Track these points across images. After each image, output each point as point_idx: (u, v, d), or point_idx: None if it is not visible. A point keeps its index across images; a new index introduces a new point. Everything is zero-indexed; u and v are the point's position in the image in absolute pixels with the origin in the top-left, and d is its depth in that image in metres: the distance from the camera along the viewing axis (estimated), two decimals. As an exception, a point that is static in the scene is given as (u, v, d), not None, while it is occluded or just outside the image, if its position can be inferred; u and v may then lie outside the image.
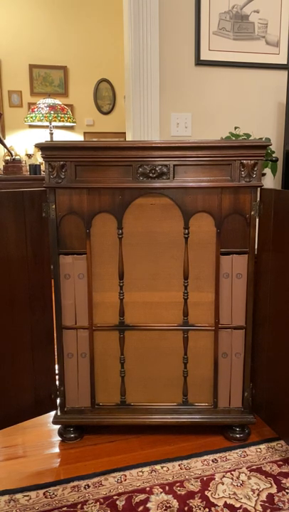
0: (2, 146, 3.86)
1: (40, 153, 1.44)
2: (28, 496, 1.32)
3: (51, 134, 4.49)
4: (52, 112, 4.26)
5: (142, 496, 1.31)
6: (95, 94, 5.27)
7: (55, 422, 1.56)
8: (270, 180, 2.44)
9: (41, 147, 1.39)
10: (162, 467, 1.43)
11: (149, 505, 1.28)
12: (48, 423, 1.65)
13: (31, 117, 4.31)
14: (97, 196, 1.42)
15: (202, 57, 2.30)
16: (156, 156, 1.38)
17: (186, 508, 1.26)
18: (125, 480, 1.38)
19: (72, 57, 5.09)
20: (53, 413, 1.59)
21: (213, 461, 1.46)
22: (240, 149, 1.37)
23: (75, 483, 1.36)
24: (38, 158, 4.92)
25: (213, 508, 1.26)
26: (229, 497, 1.30)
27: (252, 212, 1.43)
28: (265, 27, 2.35)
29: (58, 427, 1.59)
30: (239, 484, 1.36)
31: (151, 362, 1.54)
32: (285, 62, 2.41)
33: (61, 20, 4.98)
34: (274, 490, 1.33)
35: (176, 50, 2.27)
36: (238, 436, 1.56)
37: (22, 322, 1.47)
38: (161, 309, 1.50)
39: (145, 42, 2.18)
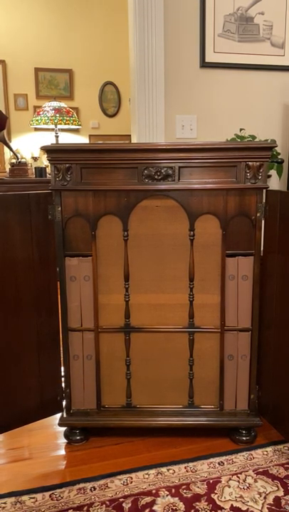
0: (8, 149, 3.88)
1: (45, 156, 1.45)
2: (34, 498, 1.32)
3: (57, 136, 4.51)
4: (57, 115, 4.28)
5: (148, 499, 1.31)
6: (100, 97, 5.29)
7: (61, 424, 1.56)
8: (276, 182, 2.43)
9: (47, 150, 1.39)
10: (168, 469, 1.43)
11: (155, 507, 1.27)
12: (53, 425, 1.65)
13: (37, 120, 4.33)
14: (102, 198, 1.42)
15: (207, 60, 2.31)
16: (161, 158, 1.38)
17: (192, 511, 1.26)
18: (131, 482, 1.37)
19: (77, 60, 5.11)
20: (58, 415, 1.59)
21: (219, 463, 1.45)
22: (246, 151, 1.37)
23: (81, 485, 1.36)
24: (44, 161, 4.94)
25: (219, 511, 1.26)
26: (236, 500, 1.30)
27: (258, 214, 1.42)
28: (270, 29, 2.35)
29: (63, 429, 1.59)
30: (246, 487, 1.35)
31: (156, 364, 1.54)
32: (291, 64, 2.40)
33: (66, 23, 5.01)
34: (281, 493, 1.32)
35: (181, 53, 2.28)
36: (244, 438, 1.55)
37: (28, 324, 1.48)
38: (166, 311, 1.50)
39: (150, 44, 2.19)
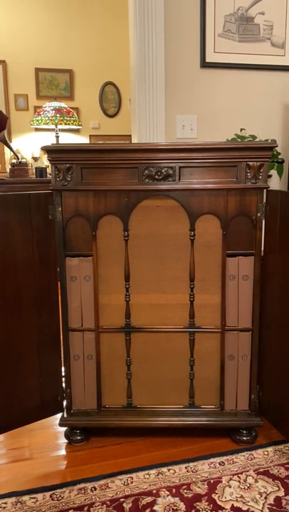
0: (8, 150, 3.88)
1: (46, 156, 1.45)
2: (34, 498, 1.32)
3: (57, 136, 4.51)
4: (58, 115, 4.28)
5: (149, 499, 1.31)
6: (100, 97, 5.29)
7: (61, 424, 1.56)
8: (276, 182, 2.43)
9: (47, 150, 1.39)
10: (169, 470, 1.43)
11: (155, 507, 1.27)
12: (54, 425, 1.65)
13: (37, 120, 4.33)
14: (102, 198, 1.42)
15: (207, 60, 2.31)
16: (161, 158, 1.38)
17: (193, 511, 1.26)
18: (132, 482, 1.37)
19: (77, 61, 5.11)
20: (59, 415, 1.59)
21: (220, 463, 1.45)
22: (246, 151, 1.37)
23: (82, 485, 1.36)
24: (44, 161, 4.94)
25: (220, 511, 1.26)
26: (236, 500, 1.30)
27: (258, 214, 1.42)
28: (271, 29, 2.35)
29: (64, 429, 1.59)
30: (246, 487, 1.35)
31: (157, 364, 1.53)
32: (291, 64, 2.40)
33: (66, 23, 5.01)
34: (281, 493, 1.32)
35: (182, 53, 2.28)
36: (244, 438, 1.55)
37: (28, 324, 1.48)
38: (167, 311, 1.50)
39: (150, 44, 2.19)
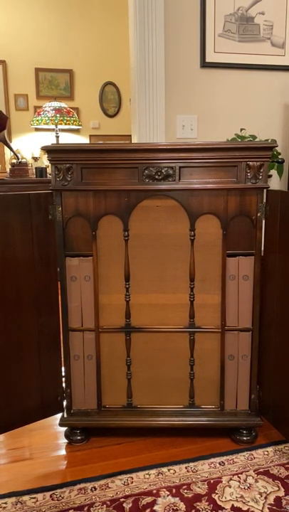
0: (8, 150, 3.88)
1: (46, 156, 1.45)
2: (34, 498, 1.32)
3: (57, 136, 4.51)
4: (58, 115, 4.28)
5: (149, 499, 1.31)
6: (100, 97, 5.29)
7: (61, 424, 1.56)
8: (276, 182, 2.43)
9: (47, 150, 1.39)
10: (169, 470, 1.43)
11: (155, 507, 1.27)
12: (54, 425, 1.65)
13: (37, 120, 4.33)
14: (103, 198, 1.42)
15: (207, 60, 2.31)
16: (161, 158, 1.38)
17: (193, 511, 1.26)
18: (132, 482, 1.37)
19: (77, 61, 5.11)
20: (59, 415, 1.59)
21: (220, 463, 1.45)
22: (246, 151, 1.37)
23: (82, 485, 1.36)
24: (44, 161, 4.94)
25: (220, 511, 1.26)
26: (236, 500, 1.30)
27: (258, 214, 1.42)
28: (271, 29, 2.35)
29: (64, 429, 1.59)
30: (246, 487, 1.35)
31: (157, 364, 1.53)
32: (291, 64, 2.40)
33: (66, 23, 5.01)
34: (281, 493, 1.32)
35: (182, 53, 2.28)
36: (245, 438, 1.55)
37: (29, 324, 1.48)
38: (167, 311, 1.50)
39: (150, 44, 2.19)
